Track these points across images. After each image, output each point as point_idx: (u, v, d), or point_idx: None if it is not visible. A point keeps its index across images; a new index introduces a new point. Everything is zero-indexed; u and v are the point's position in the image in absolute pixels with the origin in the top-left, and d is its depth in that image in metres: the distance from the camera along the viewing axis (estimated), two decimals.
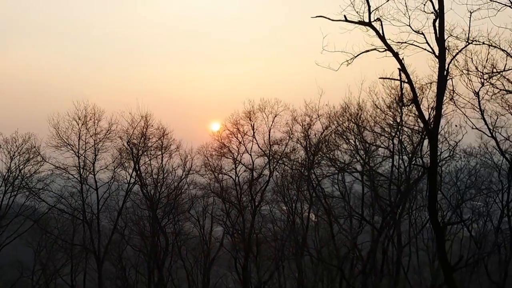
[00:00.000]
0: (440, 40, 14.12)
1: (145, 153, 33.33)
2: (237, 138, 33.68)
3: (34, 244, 35.89)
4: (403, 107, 20.74)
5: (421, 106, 17.60)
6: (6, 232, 31.69)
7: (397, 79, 14.38)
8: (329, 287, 30.69)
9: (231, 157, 34.36)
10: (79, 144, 32.02)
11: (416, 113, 21.62)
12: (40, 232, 34.36)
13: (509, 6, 15.06)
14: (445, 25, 14.44)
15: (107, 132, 32.36)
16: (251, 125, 33.04)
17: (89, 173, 32.66)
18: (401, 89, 14.44)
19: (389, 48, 14.62)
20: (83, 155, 32.17)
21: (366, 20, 14.84)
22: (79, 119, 31.97)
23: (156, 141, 33.46)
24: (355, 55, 15.44)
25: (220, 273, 39.57)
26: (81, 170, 32.30)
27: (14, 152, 31.21)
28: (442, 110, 16.75)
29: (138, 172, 33.21)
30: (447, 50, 14.99)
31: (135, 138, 32.70)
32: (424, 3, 15.20)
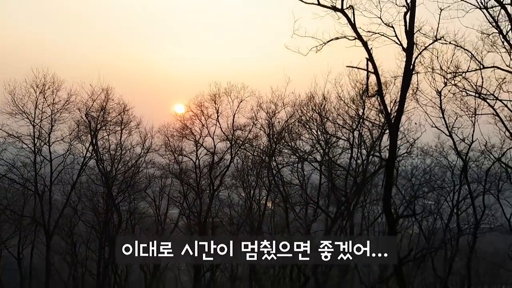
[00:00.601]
0: (410, 33, 14.34)
1: (104, 127, 32.45)
2: (200, 121, 33.34)
3: None
4: (368, 98, 21.02)
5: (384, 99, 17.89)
6: None
7: (364, 69, 14.52)
8: (280, 273, 31.03)
9: (192, 139, 34.03)
10: (35, 113, 30.88)
11: (379, 106, 22.07)
12: None
13: (478, 8, 15.43)
14: (414, 22, 14.66)
15: (65, 102, 31.29)
16: (216, 108, 32.74)
17: (44, 144, 31.56)
18: (367, 79, 14.60)
19: (359, 36, 14.75)
20: (39, 124, 31.06)
21: (339, 6, 14.91)
22: (37, 87, 30.76)
23: (116, 116, 32.62)
24: (325, 42, 15.53)
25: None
26: (36, 140, 31.17)
27: None
28: (404, 106, 17.06)
29: (95, 146, 32.36)
30: (414, 46, 15.26)
31: (94, 111, 31.78)
32: None
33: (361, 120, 24.52)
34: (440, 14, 15.44)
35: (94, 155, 32.61)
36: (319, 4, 14.55)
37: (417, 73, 16.14)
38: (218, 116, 32.72)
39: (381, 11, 15.63)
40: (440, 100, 21.56)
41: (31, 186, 32.24)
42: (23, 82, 30.67)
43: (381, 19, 15.71)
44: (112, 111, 32.35)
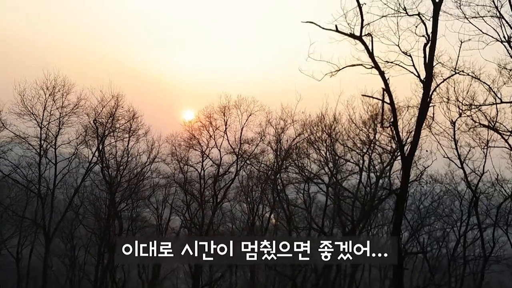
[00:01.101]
0: (429, 65, 13.98)
1: (112, 133, 32.24)
2: (208, 132, 33.04)
3: None
4: (382, 128, 20.62)
5: None
6: None
7: (380, 99, 14.13)
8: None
9: (199, 150, 33.72)
10: (43, 115, 30.65)
11: (392, 134, 21.65)
12: None
13: (499, 41, 15.05)
14: (434, 54, 14.30)
15: (74, 106, 31.05)
16: (224, 120, 32.44)
17: (50, 146, 31.33)
18: (382, 110, 14.21)
19: (376, 65, 14.39)
20: (46, 126, 30.83)
21: (357, 33, 14.57)
22: (47, 89, 30.56)
23: (125, 123, 32.36)
24: (340, 68, 15.19)
25: (171, 264, 38.96)
26: (42, 141, 30.96)
27: None
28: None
29: (102, 152, 32.12)
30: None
31: (103, 117, 31.57)
32: (416, 25, 15.07)
33: (372, 145, 24.08)
34: (460, 47, 15.11)
35: (100, 160, 32.34)
36: (337, 31, 14.22)
37: (433, 105, 15.67)
38: (226, 129, 32.46)
39: (399, 39, 15.29)
40: (454, 131, 21.14)
41: (34, 187, 32.00)
42: (34, 83, 30.56)
43: (399, 47, 15.36)
44: (121, 118, 32.14)
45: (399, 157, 23.56)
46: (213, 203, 33.75)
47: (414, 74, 14.93)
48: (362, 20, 14.43)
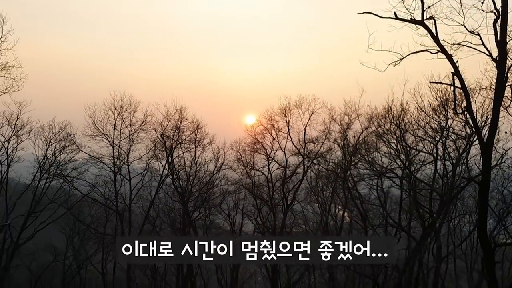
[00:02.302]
0: (502, 42, 12.90)
1: (179, 145, 33.01)
2: (271, 135, 32.93)
3: (67, 230, 36.31)
4: (456, 114, 19.43)
5: None
6: (40, 217, 32.06)
7: (450, 84, 13.23)
8: None
9: (264, 154, 33.68)
10: (114, 134, 31.98)
11: (466, 119, 20.39)
12: (73, 219, 34.66)
13: None
14: (507, 29, 13.21)
15: (142, 123, 32.21)
16: (286, 121, 32.19)
17: (123, 163, 32.61)
18: (454, 95, 13.28)
19: (442, 50, 13.49)
20: (118, 145, 32.14)
21: (418, 18, 13.77)
22: (115, 109, 31.89)
23: (190, 134, 33.11)
24: (404, 56, 14.41)
25: (249, 268, 39.20)
26: (115, 159, 32.27)
27: (51, 139, 31.46)
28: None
29: (171, 164, 32.97)
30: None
31: (169, 130, 32.43)
32: (482, 1, 14.01)
33: (445, 132, 22.80)
34: None
35: (170, 172, 33.18)
36: (396, 18, 13.51)
37: (510, 84, 14.49)
38: (289, 130, 32.18)
39: (464, 18, 14.27)
40: None
41: (111, 204, 33.38)
42: (102, 105, 31.93)
43: (465, 27, 14.34)
44: (186, 130, 32.88)
45: (475, 142, 22.22)
46: (283, 206, 33.56)
47: (486, 54, 13.86)
48: (423, 3, 13.63)
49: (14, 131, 30.14)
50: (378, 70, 14.20)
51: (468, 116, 14.82)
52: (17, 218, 30.60)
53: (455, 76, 13.29)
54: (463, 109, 14.00)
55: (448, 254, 25.74)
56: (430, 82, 13.85)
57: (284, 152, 32.61)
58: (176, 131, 32.35)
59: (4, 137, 30.17)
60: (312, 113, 31.27)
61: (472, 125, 14.42)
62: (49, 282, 37.68)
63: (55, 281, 38.00)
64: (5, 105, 31.87)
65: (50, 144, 31.44)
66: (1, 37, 19.45)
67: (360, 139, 27.50)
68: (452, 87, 13.97)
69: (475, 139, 21.65)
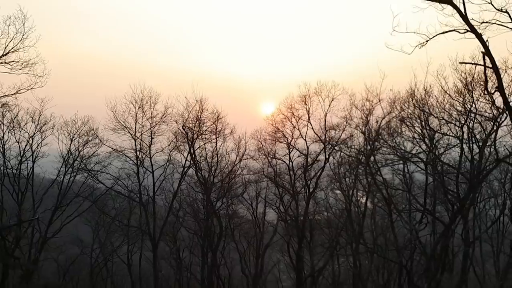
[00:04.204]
0: None
1: (200, 136, 33.16)
2: (291, 123, 32.82)
3: (93, 223, 36.86)
4: (488, 95, 19.08)
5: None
6: (66, 211, 32.57)
7: (481, 64, 12.97)
8: (388, 280, 29.56)
9: (285, 142, 33.62)
10: (135, 127, 32.30)
11: (492, 100, 20.04)
12: (98, 212, 35.14)
13: None
14: None
15: (163, 115, 32.43)
16: (307, 109, 32.02)
17: (145, 156, 32.93)
18: (485, 75, 12.99)
19: (472, 29, 13.14)
20: (140, 138, 32.43)
21: None
22: (136, 102, 32.18)
23: (211, 125, 33.20)
24: (430, 37, 14.10)
25: (272, 257, 39.38)
26: (138, 152, 32.58)
27: (74, 134, 31.85)
28: None
29: (193, 155, 33.13)
30: None
31: (190, 122, 32.57)
32: None
33: (470, 114, 22.43)
34: None
35: (192, 164, 33.36)
36: None
37: None
38: (309, 117, 32.01)
39: None
40: None
41: (135, 196, 33.74)
42: (123, 98, 32.21)
43: (492, 4, 14.01)
44: (207, 121, 32.98)
45: (503, 124, 21.85)
46: (305, 194, 33.54)
47: None
48: None
49: (38, 127, 30.58)
50: (405, 53, 13.93)
51: (497, 96, 14.52)
52: (44, 213, 31.11)
53: (485, 56, 12.99)
54: (495, 88, 13.73)
55: (475, 238, 25.43)
56: (460, 63, 13.65)
57: (305, 139, 32.56)
58: (197, 122, 32.49)
59: (28, 133, 30.64)
60: (333, 100, 31.09)
61: (504, 104, 14.11)
62: (77, 274, 38.33)
63: (83, 274, 38.66)
64: (27, 102, 32.45)
65: (74, 138, 31.86)
66: (24, 34, 19.69)
67: (382, 124, 27.22)
68: (480, 67, 13.68)
69: (503, 120, 21.29)
